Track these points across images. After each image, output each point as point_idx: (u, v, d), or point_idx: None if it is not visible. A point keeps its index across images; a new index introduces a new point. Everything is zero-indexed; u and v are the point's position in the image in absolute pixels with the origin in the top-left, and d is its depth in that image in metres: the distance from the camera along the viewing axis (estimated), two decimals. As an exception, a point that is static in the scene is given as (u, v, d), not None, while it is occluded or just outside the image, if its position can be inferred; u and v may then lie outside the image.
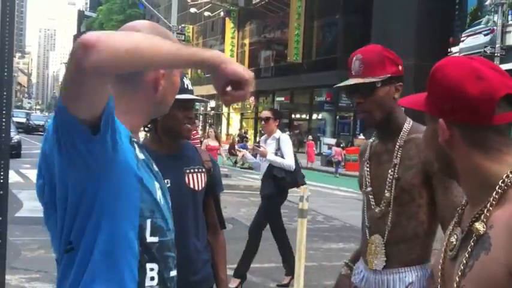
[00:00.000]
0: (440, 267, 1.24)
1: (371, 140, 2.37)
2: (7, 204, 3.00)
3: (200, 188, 2.47)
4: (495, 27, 19.68)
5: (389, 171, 2.17)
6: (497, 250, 1.05)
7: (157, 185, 1.47)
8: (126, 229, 1.34)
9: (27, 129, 40.14)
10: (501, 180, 1.12)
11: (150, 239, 1.40)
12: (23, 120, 41.53)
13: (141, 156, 1.42)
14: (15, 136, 19.58)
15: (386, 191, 2.17)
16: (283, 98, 37.76)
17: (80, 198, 1.29)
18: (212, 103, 47.96)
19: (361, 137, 23.63)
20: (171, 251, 1.51)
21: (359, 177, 2.40)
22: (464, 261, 1.12)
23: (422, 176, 2.10)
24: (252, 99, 40.50)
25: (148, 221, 1.40)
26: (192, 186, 2.45)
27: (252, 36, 41.97)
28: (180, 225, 2.37)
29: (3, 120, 2.96)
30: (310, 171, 23.56)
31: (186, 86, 2.39)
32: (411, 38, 24.01)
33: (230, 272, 6.35)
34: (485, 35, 20.32)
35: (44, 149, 1.35)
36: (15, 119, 30.11)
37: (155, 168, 1.53)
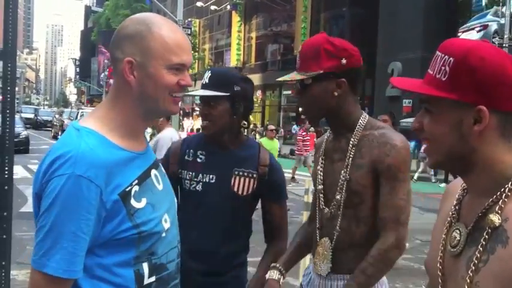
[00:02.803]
0: (438, 265, 1.19)
1: (327, 135, 2.24)
2: (12, 199, 3.00)
3: (245, 193, 2.31)
4: (489, 23, 19.51)
5: (342, 171, 2.03)
6: None
7: (165, 215, 1.44)
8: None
9: (35, 124, 40.39)
10: None
11: (148, 280, 1.39)
12: (31, 116, 41.76)
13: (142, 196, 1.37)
14: (23, 132, 19.66)
15: (337, 193, 2.03)
16: (290, 92, 37.67)
17: None
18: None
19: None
20: (174, 279, 1.49)
21: (312, 173, 2.27)
22: (478, 256, 1.07)
23: (371, 175, 1.98)
24: (259, 92, 40.44)
25: (145, 264, 1.38)
26: (235, 189, 2.31)
27: (258, 29, 41.86)
28: (212, 226, 2.31)
29: (8, 116, 2.96)
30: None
31: (202, 80, 2.33)
32: (418, 30, 23.85)
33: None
34: (478, 31, 20.10)
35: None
36: (23, 115, 30.29)
37: (166, 184, 1.51)
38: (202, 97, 2.34)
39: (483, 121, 1.09)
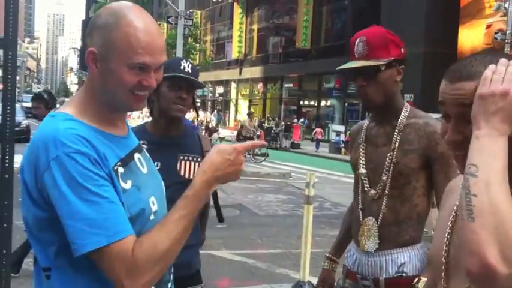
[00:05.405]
0: (444, 253, 1.21)
1: (366, 123, 2.36)
2: (12, 188, 2.99)
3: (191, 176, 2.38)
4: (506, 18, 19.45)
5: (388, 155, 2.17)
6: None
7: (152, 198, 1.42)
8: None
9: (36, 114, 40.30)
10: None
11: None
12: (32, 105, 41.68)
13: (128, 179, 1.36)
14: (24, 121, 19.63)
15: (383, 175, 2.18)
16: (291, 85, 37.63)
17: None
18: (220, 89, 47.89)
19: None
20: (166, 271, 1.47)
21: (352, 159, 2.39)
22: None
23: (422, 161, 2.13)
24: (260, 85, 40.39)
25: None
26: (182, 173, 2.39)
27: (260, 21, 41.75)
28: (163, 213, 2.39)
29: (8, 105, 2.95)
30: (318, 158, 23.57)
31: (183, 68, 2.38)
32: (420, 25, 23.79)
33: (238, 258, 6.36)
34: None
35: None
36: (24, 104, 30.24)
37: (152, 166, 1.51)
38: (190, 82, 2.42)
39: None
